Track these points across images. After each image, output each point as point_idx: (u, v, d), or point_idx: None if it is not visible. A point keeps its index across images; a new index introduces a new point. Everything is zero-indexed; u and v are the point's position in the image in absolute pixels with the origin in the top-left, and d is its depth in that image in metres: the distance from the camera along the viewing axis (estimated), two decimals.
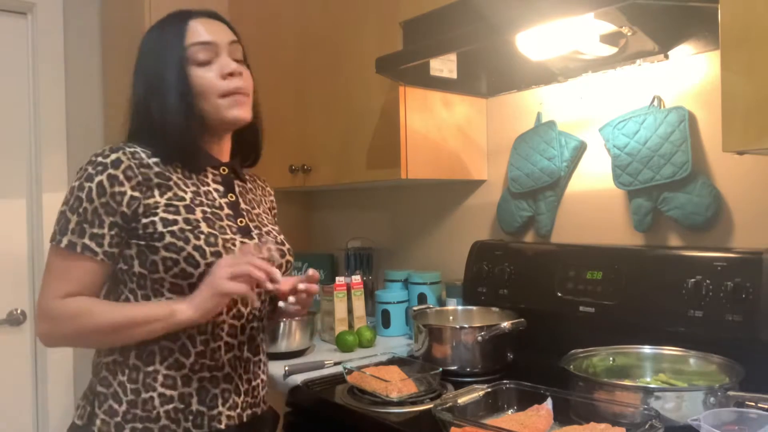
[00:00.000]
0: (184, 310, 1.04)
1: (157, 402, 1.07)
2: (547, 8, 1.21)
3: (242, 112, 1.15)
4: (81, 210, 1.06)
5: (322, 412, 1.39)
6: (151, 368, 1.08)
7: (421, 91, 1.76)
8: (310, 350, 1.84)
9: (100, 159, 1.07)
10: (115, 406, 1.07)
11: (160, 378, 1.08)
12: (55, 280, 1.07)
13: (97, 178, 1.06)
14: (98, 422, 1.07)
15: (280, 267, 1.20)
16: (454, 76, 1.67)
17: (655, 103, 1.51)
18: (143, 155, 1.10)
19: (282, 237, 1.25)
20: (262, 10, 2.25)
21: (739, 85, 0.98)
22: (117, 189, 1.05)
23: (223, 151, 1.22)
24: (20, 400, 2.34)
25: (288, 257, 1.23)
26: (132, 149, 1.09)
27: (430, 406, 1.19)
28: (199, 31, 1.13)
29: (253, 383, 1.20)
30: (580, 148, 1.69)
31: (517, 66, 1.66)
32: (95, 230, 1.05)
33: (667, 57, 1.47)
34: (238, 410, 1.15)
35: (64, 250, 1.06)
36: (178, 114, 1.11)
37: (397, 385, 1.32)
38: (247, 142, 1.26)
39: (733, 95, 0.99)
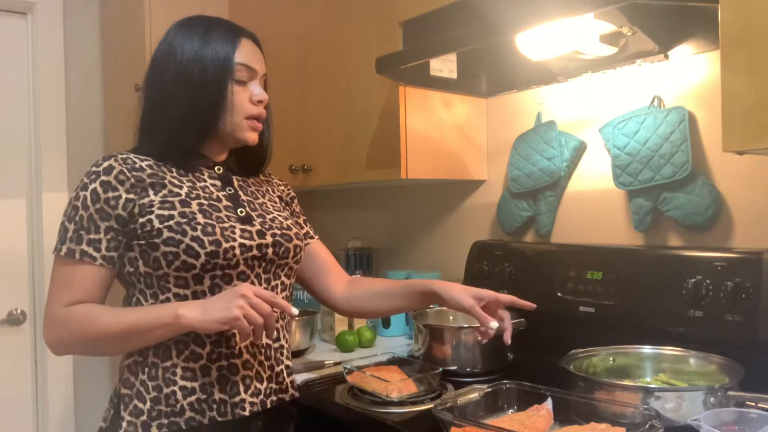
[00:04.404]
0: (191, 314, 1.02)
1: (179, 395, 1.08)
2: (547, 8, 1.21)
3: (255, 137, 1.20)
4: (77, 218, 1.09)
5: (322, 412, 1.39)
6: (168, 363, 1.09)
7: (421, 91, 1.76)
8: (310, 350, 1.84)
9: (93, 168, 1.11)
10: (140, 405, 1.08)
11: (179, 371, 1.08)
12: (59, 288, 1.09)
13: (91, 186, 1.09)
14: (124, 424, 1.08)
15: (288, 264, 1.21)
16: (454, 76, 1.67)
17: (655, 103, 1.51)
18: (135, 160, 1.12)
19: (288, 222, 1.24)
20: (263, 10, 2.25)
21: (739, 85, 0.98)
22: (111, 194, 1.08)
23: (220, 155, 1.23)
24: (20, 400, 2.34)
25: (295, 242, 1.22)
26: (124, 156, 1.13)
27: (430, 406, 1.20)
28: (248, 52, 1.17)
29: (276, 369, 1.20)
30: (580, 148, 1.69)
31: (517, 66, 1.67)
32: (92, 236, 1.08)
33: (667, 57, 1.47)
34: (262, 396, 1.15)
35: (64, 258, 1.09)
36: (200, 117, 1.13)
37: (397, 385, 1.32)
38: (248, 155, 1.27)
39: (733, 95, 0.99)
